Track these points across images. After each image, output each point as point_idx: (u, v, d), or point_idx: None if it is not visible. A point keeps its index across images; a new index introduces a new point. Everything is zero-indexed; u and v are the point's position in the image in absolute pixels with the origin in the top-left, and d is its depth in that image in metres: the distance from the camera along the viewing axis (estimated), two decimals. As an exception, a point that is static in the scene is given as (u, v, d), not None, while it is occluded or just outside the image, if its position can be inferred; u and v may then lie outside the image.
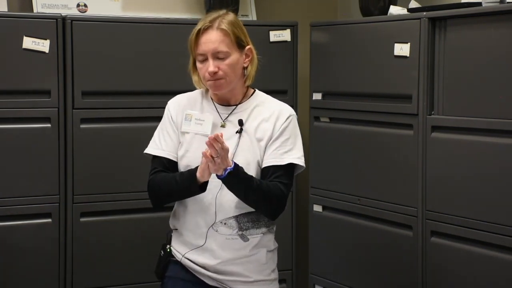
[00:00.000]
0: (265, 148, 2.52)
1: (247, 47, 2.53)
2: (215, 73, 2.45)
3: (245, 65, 2.54)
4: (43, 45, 3.30)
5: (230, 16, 2.52)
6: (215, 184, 2.45)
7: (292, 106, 3.71)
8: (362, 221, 3.46)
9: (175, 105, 2.59)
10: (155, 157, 2.57)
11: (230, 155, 2.41)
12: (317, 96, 3.70)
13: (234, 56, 2.48)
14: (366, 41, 3.41)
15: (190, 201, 2.52)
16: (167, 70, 3.49)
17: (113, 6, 3.70)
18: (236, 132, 2.51)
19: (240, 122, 2.52)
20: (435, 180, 3.09)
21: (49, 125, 3.36)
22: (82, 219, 3.44)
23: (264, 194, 2.45)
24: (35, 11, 3.51)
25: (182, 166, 2.53)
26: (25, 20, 3.31)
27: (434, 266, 3.12)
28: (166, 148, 2.56)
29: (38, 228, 3.36)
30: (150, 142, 2.61)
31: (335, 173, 3.61)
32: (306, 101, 3.80)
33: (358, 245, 3.49)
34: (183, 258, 2.54)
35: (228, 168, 2.36)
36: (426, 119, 3.12)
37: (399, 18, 3.28)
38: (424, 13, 3.12)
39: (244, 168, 2.43)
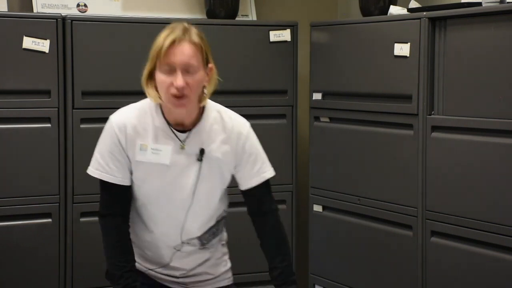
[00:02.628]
0: (233, 169, 2.47)
1: (210, 65, 2.37)
2: (183, 88, 2.27)
3: (205, 84, 2.36)
4: (43, 45, 3.30)
5: (196, 29, 2.35)
6: (178, 213, 2.42)
7: (292, 106, 3.76)
8: (362, 221, 3.46)
9: (121, 128, 2.39)
10: (105, 182, 2.42)
11: (192, 185, 2.39)
12: (317, 96, 3.70)
13: (201, 72, 2.33)
14: (366, 41, 3.41)
15: (152, 227, 2.45)
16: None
17: (113, 6, 3.70)
18: (197, 159, 2.39)
19: (202, 151, 2.39)
20: (435, 180, 3.09)
21: (49, 125, 3.36)
22: (82, 219, 3.44)
23: (284, 236, 2.53)
24: (35, 11, 3.51)
25: (142, 195, 2.42)
26: (25, 20, 3.32)
27: (434, 266, 3.12)
28: (118, 174, 2.40)
29: (38, 228, 3.36)
30: (94, 161, 2.44)
31: (335, 173, 3.61)
32: (306, 101, 3.80)
33: (358, 245, 3.49)
34: (148, 271, 2.53)
35: None
36: (426, 119, 3.12)
37: (399, 18, 3.28)
38: (424, 13, 3.12)
39: (207, 195, 2.42)
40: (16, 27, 3.29)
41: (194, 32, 2.33)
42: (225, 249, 2.64)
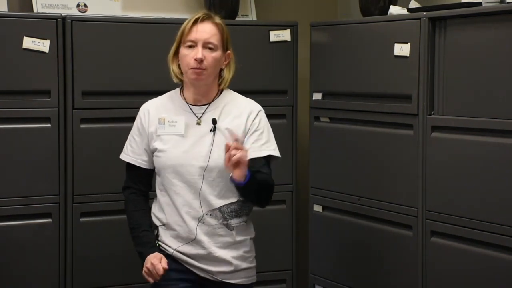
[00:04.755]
0: (241, 143, 2.62)
1: (228, 51, 2.72)
2: (201, 61, 2.60)
3: (222, 67, 2.71)
4: (43, 45, 3.30)
5: (219, 17, 2.73)
6: (196, 180, 2.64)
7: (292, 106, 3.76)
8: (362, 221, 3.46)
9: (145, 110, 2.76)
10: (127, 164, 2.81)
11: (206, 152, 2.62)
12: (317, 96, 3.70)
13: (219, 52, 2.66)
14: (366, 41, 3.41)
15: (175, 197, 2.67)
16: (167, 70, 3.47)
17: (113, 6, 3.70)
18: (210, 130, 2.66)
19: (214, 121, 2.66)
20: (435, 180, 3.09)
21: (49, 125, 3.36)
22: (82, 219, 3.44)
23: (266, 188, 2.66)
24: (35, 11, 3.51)
25: (163, 165, 2.69)
26: (25, 20, 3.31)
27: (434, 266, 3.12)
28: (132, 154, 2.77)
29: (38, 228, 3.36)
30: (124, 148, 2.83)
31: (335, 173, 3.61)
32: (306, 101, 3.80)
33: (358, 245, 3.49)
34: (174, 251, 2.69)
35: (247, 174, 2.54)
36: (426, 119, 3.12)
37: (399, 18, 3.28)
38: (424, 13, 3.12)
39: (221, 160, 2.57)
40: (16, 27, 3.28)
41: (216, 17, 2.71)
42: (253, 246, 2.80)
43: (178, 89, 2.79)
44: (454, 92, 3.04)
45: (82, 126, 3.41)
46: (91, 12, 3.63)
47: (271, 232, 3.74)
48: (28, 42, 3.28)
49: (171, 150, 2.67)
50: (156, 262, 2.62)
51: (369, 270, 3.45)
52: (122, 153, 2.82)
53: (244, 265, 2.73)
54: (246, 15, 3.94)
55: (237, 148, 2.46)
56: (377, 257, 3.40)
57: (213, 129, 2.66)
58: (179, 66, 2.72)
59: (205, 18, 2.66)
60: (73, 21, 3.37)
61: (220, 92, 2.75)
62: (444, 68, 3.07)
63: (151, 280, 2.66)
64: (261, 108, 2.77)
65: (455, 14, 3.00)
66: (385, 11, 3.52)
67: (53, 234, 3.39)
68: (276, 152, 2.73)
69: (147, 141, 2.73)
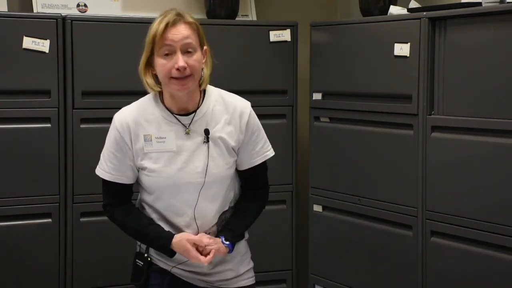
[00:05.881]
0: (237, 149, 2.49)
1: (205, 47, 2.42)
2: (184, 68, 2.31)
3: (203, 67, 2.41)
4: (43, 45, 3.31)
5: (188, 13, 2.44)
6: (194, 198, 2.43)
7: (292, 106, 3.76)
8: (362, 221, 3.46)
9: (123, 124, 2.43)
10: (106, 181, 2.48)
11: (203, 167, 2.41)
12: (317, 96, 3.70)
13: (199, 53, 2.37)
14: (366, 41, 3.41)
15: (172, 217, 2.46)
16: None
17: (113, 6, 3.70)
18: (204, 142, 2.42)
19: (206, 132, 2.41)
20: (435, 180, 3.10)
21: (49, 125, 3.36)
22: (82, 219, 3.44)
23: (260, 211, 2.58)
24: (35, 11, 3.51)
25: (156, 187, 2.43)
26: (25, 20, 3.32)
27: (434, 266, 3.12)
28: (114, 172, 2.44)
29: (38, 228, 3.37)
30: (100, 162, 2.49)
31: (335, 173, 3.61)
32: (306, 101, 3.80)
33: (358, 245, 3.49)
34: (173, 269, 2.50)
35: (227, 243, 2.44)
36: (426, 119, 3.12)
37: (399, 18, 3.28)
38: (424, 13, 3.12)
39: (219, 174, 2.43)
40: (16, 27, 3.29)
41: (187, 14, 2.40)
42: (248, 246, 2.63)
43: (154, 97, 2.48)
44: (454, 92, 3.04)
45: (82, 126, 3.41)
46: (91, 12, 3.63)
47: (271, 232, 3.74)
48: (28, 42, 3.28)
49: (164, 170, 2.40)
50: (190, 249, 2.39)
51: (369, 270, 3.45)
52: (99, 169, 2.48)
53: (242, 269, 2.58)
54: (246, 15, 3.94)
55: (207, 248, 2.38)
56: (377, 257, 3.40)
57: (206, 140, 2.41)
58: (153, 76, 2.42)
59: (177, 20, 2.35)
60: (73, 21, 3.37)
61: (203, 93, 2.46)
62: (444, 68, 3.07)
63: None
64: (249, 106, 2.51)
65: (455, 14, 3.00)
66: (385, 11, 3.52)
67: (53, 234, 3.39)
68: (272, 150, 2.57)
69: (132, 156, 2.43)
